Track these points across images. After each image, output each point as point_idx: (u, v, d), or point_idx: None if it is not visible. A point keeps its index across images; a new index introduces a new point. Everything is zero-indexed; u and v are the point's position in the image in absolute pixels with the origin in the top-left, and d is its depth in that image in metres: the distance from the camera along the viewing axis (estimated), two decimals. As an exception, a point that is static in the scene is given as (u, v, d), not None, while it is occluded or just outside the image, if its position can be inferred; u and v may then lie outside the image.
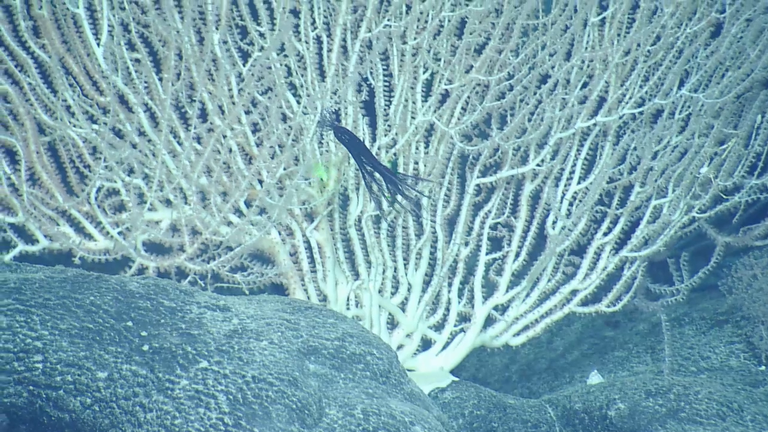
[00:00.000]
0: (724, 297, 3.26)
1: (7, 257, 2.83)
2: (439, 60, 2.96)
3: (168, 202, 2.92)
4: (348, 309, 3.04)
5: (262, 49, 2.90)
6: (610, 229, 3.10)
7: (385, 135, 3.00)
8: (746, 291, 3.08)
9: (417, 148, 3.04)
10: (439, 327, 3.14)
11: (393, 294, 3.09)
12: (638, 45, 2.95)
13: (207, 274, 2.89)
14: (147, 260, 2.86)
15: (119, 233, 2.88)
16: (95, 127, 2.88)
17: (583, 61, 2.97)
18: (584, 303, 3.13)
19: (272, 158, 2.89)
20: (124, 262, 2.87)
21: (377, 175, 2.65)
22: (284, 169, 2.89)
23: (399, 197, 2.65)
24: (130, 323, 2.43)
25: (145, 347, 2.39)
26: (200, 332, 2.46)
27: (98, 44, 2.86)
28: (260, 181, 2.93)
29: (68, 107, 2.86)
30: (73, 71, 2.89)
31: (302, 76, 2.93)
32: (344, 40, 2.95)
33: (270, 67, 2.87)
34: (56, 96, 2.86)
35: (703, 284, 3.17)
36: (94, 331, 2.40)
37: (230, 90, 2.92)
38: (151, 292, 2.56)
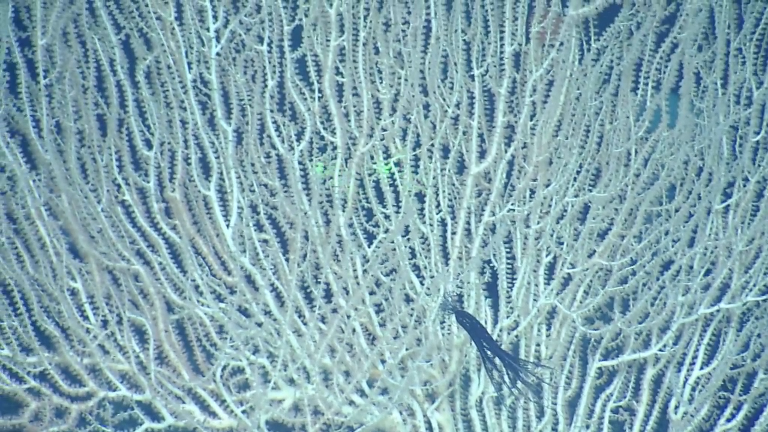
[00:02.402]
0: None
1: (134, 435, 2.87)
2: (562, 244, 2.98)
3: (291, 381, 2.94)
4: (467, 490, 3.03)
5: (386, 231, 2.94)
6: (733, 416, 3.06)
7: (507, 317, 3.01)
8: None
9: (539, 331, 3.04)
10: None
11: (512, 475, 3.08)
12: (762, 233, 2.95)
13: (328, 455, 2.91)
14: (270, 440, 2.88)
15: (243, 412, 2.90)
16: (222, 306, 2.93)
17: (706, 248, 2.97)
18: (707, 489, 3.09)
19: (395, 339, 2.91)
20: (247, 442, 2.89)
21: (498, 360, 2.66)
22: (406, 349, 2.91)
23: (519, 383, 2.66)
24: None
25: None
26: None
27: (227, 225, 2.92)
28: (382, 361, 2.95)
29: (197, 286, 2.92)
30: (202, 251, 2.95)
31: (426, 258, 2.96)
32: (468, 223, 2.98)
33: (394, 249, 2.91)
34: (185, 275, 2.91)
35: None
36: None
37: (355, 271, 2.95)
38: (274, 475, 2.58)
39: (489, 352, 2.67)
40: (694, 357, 3.05)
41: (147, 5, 2.84)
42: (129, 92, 2.88)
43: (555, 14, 2.91)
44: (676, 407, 3.05)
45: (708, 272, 2.99)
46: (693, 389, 3.05)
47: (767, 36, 2.95)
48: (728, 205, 2.99)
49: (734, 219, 2.98)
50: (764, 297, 2.98)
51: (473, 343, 2.72)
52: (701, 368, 3.05)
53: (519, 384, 2.70)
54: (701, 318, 3.02)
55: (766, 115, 2.97)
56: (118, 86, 2.87)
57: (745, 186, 2.98)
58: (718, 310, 3.00)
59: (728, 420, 3.06)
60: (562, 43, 2.91)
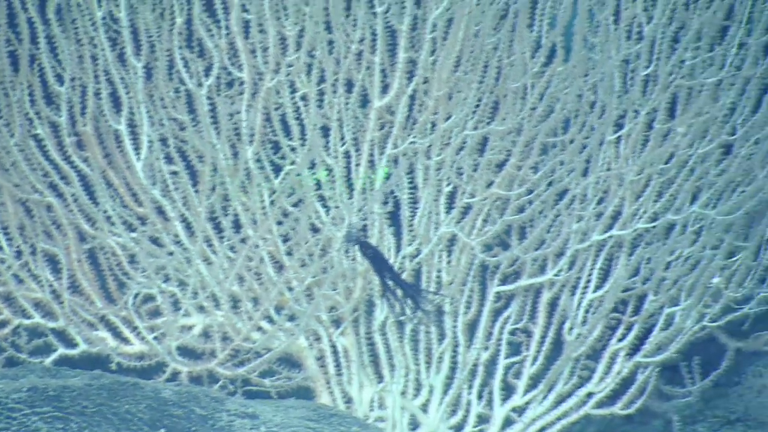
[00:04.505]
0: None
1: (48, 361, 2.97)
2: (462, 175, 3.10)
3: (201, 308, 3.06)
4: (372, 410, 3.16)
5: (293, 163, 3.05)
6: (624, 336, 3.21)
7: (410, 245, 3.14)
8: (757, 398, 3.20)
9: (440, 258, 3.17)
10: (459, 428, 3.24)
11: (415, 396, 3.21)
12: (652, 163, 3.09)
13: (237, 379, 3.03)
14: (180, 365, 3.00)
15: (155, 338, 3.01)
16: (134, 235, 3.03)
17: (599, 178, 3.10)
18: (599, 405, 3.24)
19: (302, 267, 3.03)
20: (158, 367, 3.01)
21: (399, 290, 2.80)
22: (313, 277, 3.03)
23: (418, 311, 2.81)
24: (163, 431, 2.55)
25: (179, 454, 2.51)
26: (230, 439, 2.59)
27: (138, 158, 3.02)
28: (290, 289, 3.07)
29: (108, 217, 3.02)
30: (113, 183, 3.04)
31: (331, 189, 3.07)
32: (371, 155, 3.09)
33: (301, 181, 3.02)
34: (97, 206, 3.01)
35: (719, 382, 3.27)
36: (130, 438, 2.53)
37: (263, 202, 3.06)
38: (184, 399, 2.68)
39: (390, 282, 2.81)
40: (588, 281, 3.19)
41: (56, -57, 2.92)
42: (40, 29, 2.95)
43: (453, -47, 3.01)
44: (571, 329, 3.20)
45: (601, 201, 3.13)
46: (586, 312, 3.20)
47: (657, -27, 3.08)
48: (620, 136, 3.12)
49: (626, 149, 3.12)
50: (654, 224, 3.13)
51: (376, 272, 2.85)
52: (594, 292, 3.19)
53: (419, 311, 2.84)
54: (594, 244, 3.16)
55: (656, 49, 3.10)
56: (29, 23, 2.94)
57: (636, 118, 3.11)
58: (610, 237, 3.15)
59: (620, 340, 3.21)
60: (460, -19, 3.02)
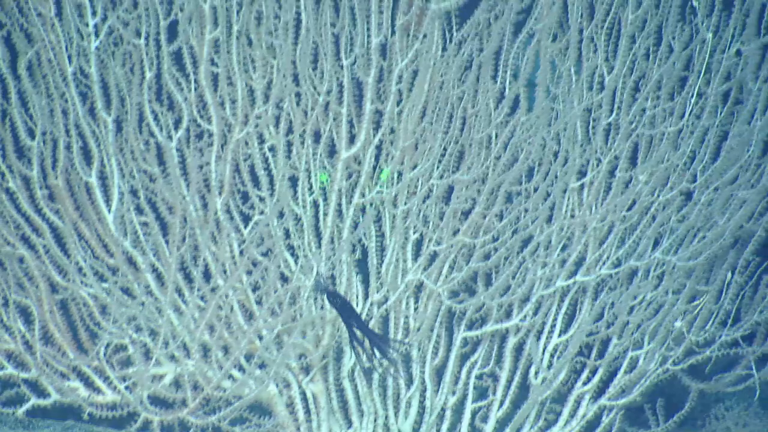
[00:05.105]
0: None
1: (20, 411, 3.01)
2: (428, 223, 3.16)
3: (172, 357, 3.10)
4: (342, 455, 3.22)
5: (262, 212, 3.10)
6: (589, 379, 3.27)
7: (377, 292, 3.19)
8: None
9: (407, 305, 3.23)
10: (428, 471, 3.30)
11: (384, 440, 3.27)
12: (614, 210, 3.15)
13: (208, 427, 3.07)
14: (152, 414, 3.04)
15: (126, 387, 3.05)
16: (105, 286, 3.07)
17: (563, 225, 3.16)
18: (565, 448, 3.31)
19: (271, 315, 3.08)
20: (130, 417, 3.04)
21: (366, 339, 2.86)
22: (282, 325, 3.08)
23: (385, 359, 2.87)
24: (136, 480, 2.60)
25: (151, 505, 2.56)
26: (202, 486, 2.64)
27: (109, 210, 3.06)
28: (260, 337, 3.11)
29: (80, 268, 3.06)
30: (85, 235, 3.09)
31: (300, 237, 3.13)
32: (339, 204, 3.15)
33: (270, 231, 3.07)
34: (69, 258, 3.05)
35: (685, 420, 3.32)
36: (102, 487, 2.57)
37: (232, 252, 3.11)
38: (156, 448, 2.73)
39: (357, 331, 2.86)
40: (553, 326, 3.26)
41: (27, 2, 2.96)
42: (11, 84, 2.99)
43: (418, 7, 3.07)
44: (537, 373, 3.26)
45: (565, 247, 3.19)
46: (552, 356, 3.26)
47: (617, 24, 3.14)
48: (583, 184, 3.18)
49: (588, 197, 3.18)
50: (617, 269, 3.19)
51: (343, 322, 2.90)
52: (559, 336, 3.25)
53: (385, 360, 2.90)
54: (559, 290, 3.22)
55: (617, 99, 3.16)
56: (0, 78, 2.99)
57: (598, 166, 3.18)
58: (574, 283, 3.21)
59: (585, 383, 3.27)
60: (425, 35, 3.08)
